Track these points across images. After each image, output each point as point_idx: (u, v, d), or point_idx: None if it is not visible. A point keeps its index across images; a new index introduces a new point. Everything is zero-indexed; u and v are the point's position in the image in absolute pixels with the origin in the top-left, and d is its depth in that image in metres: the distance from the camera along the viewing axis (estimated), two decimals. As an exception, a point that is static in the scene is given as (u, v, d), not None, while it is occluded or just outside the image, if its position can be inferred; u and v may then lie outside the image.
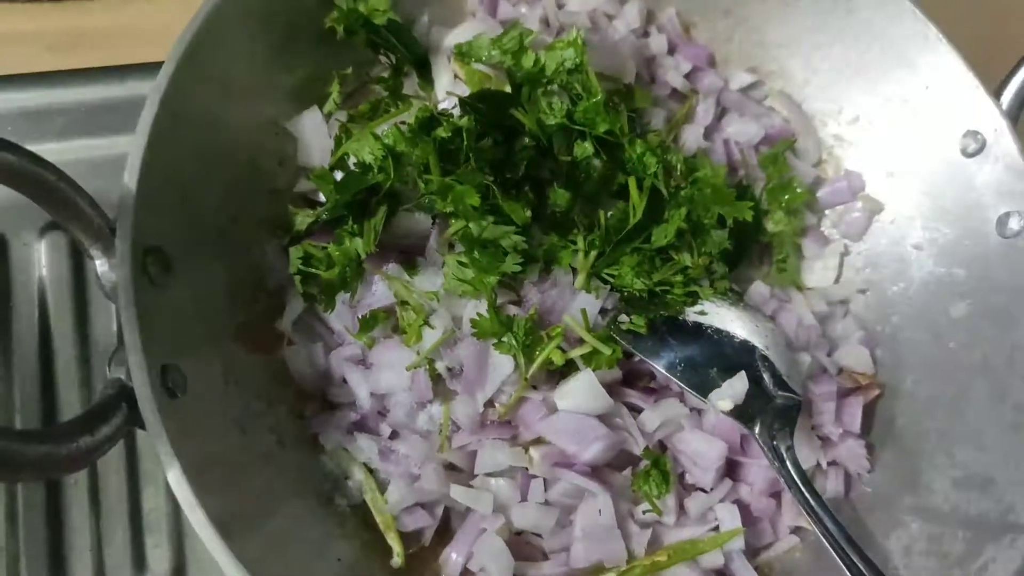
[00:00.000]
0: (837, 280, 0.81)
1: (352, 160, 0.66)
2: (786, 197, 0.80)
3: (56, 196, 0.52)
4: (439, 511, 0.65)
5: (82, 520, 0.73)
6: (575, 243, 0.68)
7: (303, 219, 0.68)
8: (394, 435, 0.67)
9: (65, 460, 0.46)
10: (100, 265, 0.55)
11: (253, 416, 0.63)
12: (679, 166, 0.73)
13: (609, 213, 0.70)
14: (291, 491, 0.62)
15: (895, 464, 0.72)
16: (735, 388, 0.67)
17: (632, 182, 0.69)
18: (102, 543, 0.73)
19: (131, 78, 0.85)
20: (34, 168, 0.51)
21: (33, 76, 0.85)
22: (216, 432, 0.58)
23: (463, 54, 0.73)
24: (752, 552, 0.69)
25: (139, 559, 0.73)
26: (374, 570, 0.63)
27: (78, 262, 0.78)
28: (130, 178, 0.55)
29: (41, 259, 0.79)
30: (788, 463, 0.65)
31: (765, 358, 0.69)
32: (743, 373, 0.67)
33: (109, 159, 0.78)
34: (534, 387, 0.66)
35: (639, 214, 0.68)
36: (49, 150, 0.79)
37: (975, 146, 0.73)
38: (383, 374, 0.66)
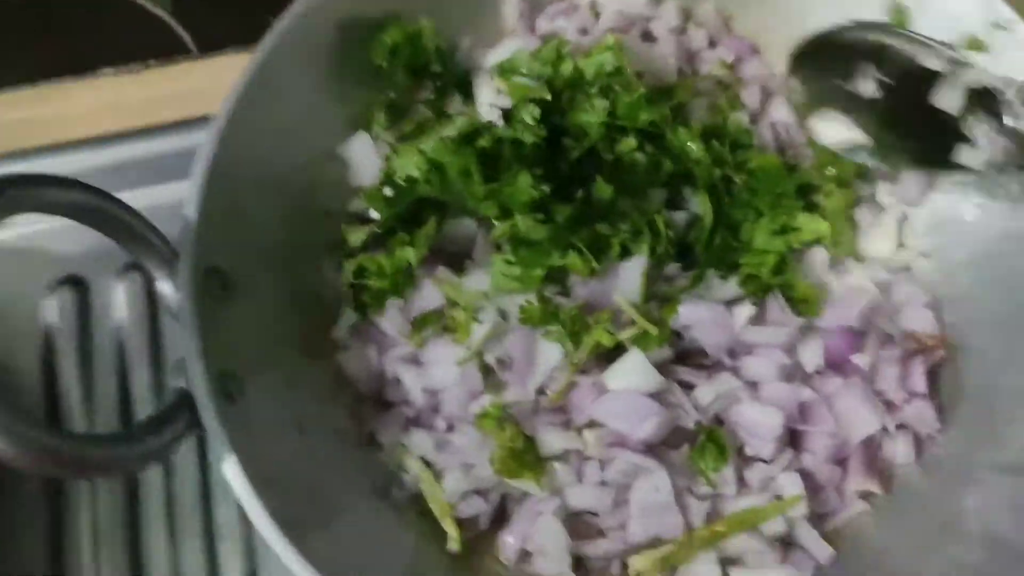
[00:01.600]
0: (899, 247, 0.78)
1: (399, 175, 0.70)
2: (834, 170, 0.78)
3: (123, 227, 0.59)
4: (494, 496, 0.67)
5: (159, 530, 0.78)
6: (625, 231, 0.68)
7: (356, 236, 0.73)
8: (449, 428, 0.69)
9: (135, 459, 0.51)
10: (164, 287, 0.61)
11: (312, 418, 0.66)
12: (726, 153, 0.73)
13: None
14: (349, 487, 0.65)
15: (968, 424, 0.69)
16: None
17: (703, 198, 0.70)
18: (178, 554, 0.78)
19: (197, 130, 0.92)
20: (101, 202, 0.58)
21: (118, 135, 0.94)
22: (274, 433, 0.62)
23: (504, 70, 0.76)
24: (818, 519, 0.68)
25: (213, 569, 0.77)
26: (432, 556, 0.65)
27: (153, 301, 0.85)
28: (190, 208, 0.61)
29: (120, 299, 0.86)
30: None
31: None
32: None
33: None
34: (584, 372, 0.68)
35: (709, 221, 0.69)
36: (135, 196, 0.88)
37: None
38: (435, 370, 0.69)
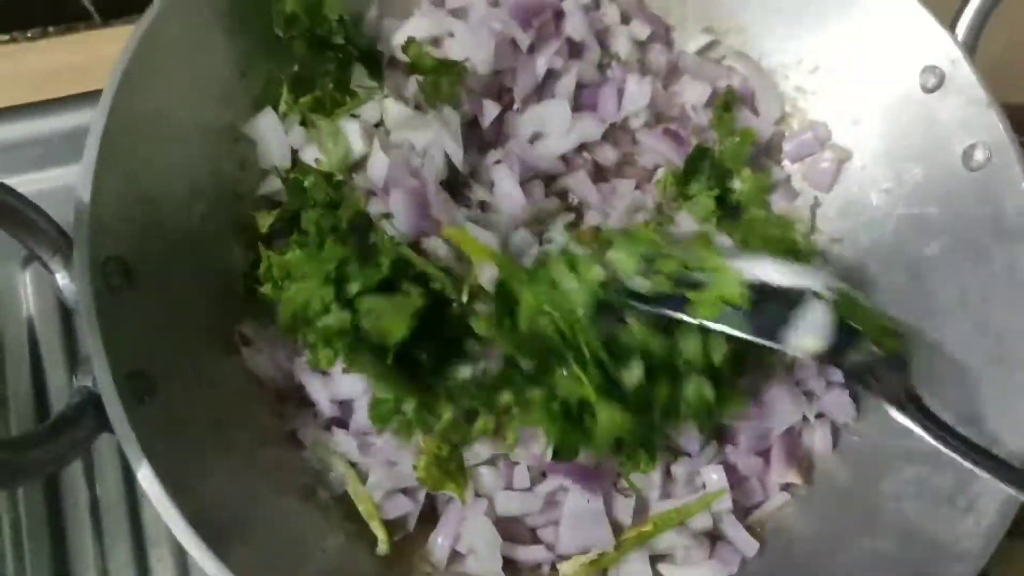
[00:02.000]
0: (811, 232, 0.81)
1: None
2: (736, 141, 0.78)
3: (6, 211, 0.53)
4: (421, 495, 0.65)
5: (84, 539, 0.74)
6: None
7: (265, 220, 0.69)
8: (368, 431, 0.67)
9: (30, 466, 0.47)
10: (61, 278, 0.56)
11: (229, 416, 0.63)
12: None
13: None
14: (272, 487, 0.63)
15: (882, 412, 0.71)
16: (814, 319, 0.57)
17: None
18: (106, 560, 0.74)
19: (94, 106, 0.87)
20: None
21: (9, 110, 0.88)
22: (190, 433, 0.58)
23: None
24: (743, 512, 0.69)
25: (143, 574, 0.74)
26: (360, 560, 0.63)
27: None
28: (83, 191, 0.56)
29: (27, 289, 0.81)
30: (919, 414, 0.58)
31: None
32: (816, 300, 0.58)
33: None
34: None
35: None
36: (30, 180, 0.83)
37: (935, 80, 0.72)
38: (342, 381, 0.66)
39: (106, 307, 0.54)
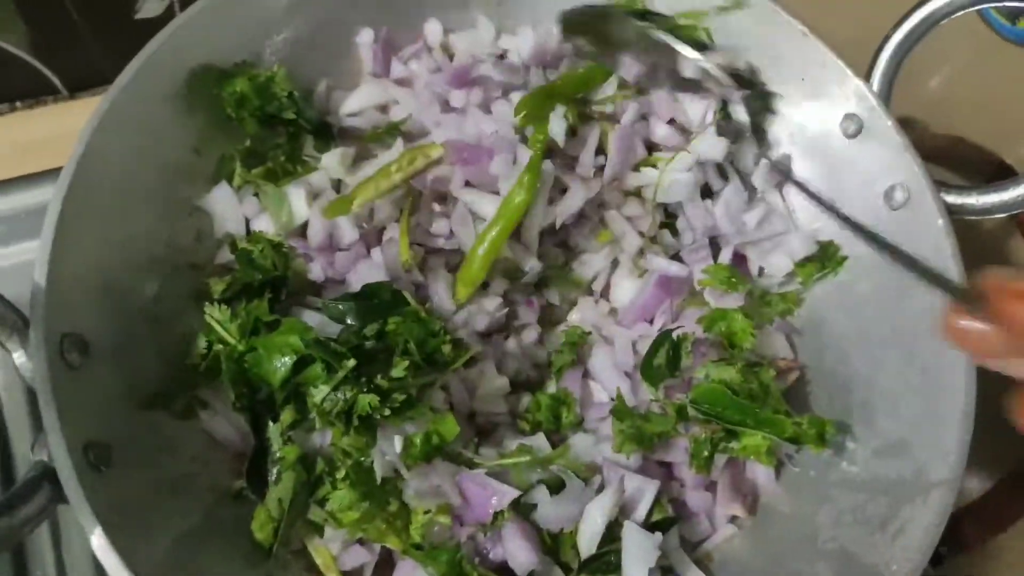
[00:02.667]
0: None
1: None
2: None
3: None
4: (377, 547, 0.67)
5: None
6: None
7: (219, 287, 0.71)
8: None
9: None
10: (18, 357, 0.58)
11: (188, 478, 0.65)
12: None
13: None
14: (231, 544, 0.64)
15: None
16: None
17: None
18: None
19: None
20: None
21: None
22: (146, 499, 0.60)
23: None
24: (691, 546, 0.71)
25: None
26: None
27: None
28: (39, 270, 0.59)
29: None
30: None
31: None
32: None
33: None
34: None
35: None
36: None
37: (854, 127, 0.76)
38: None
39: (62, 382, 0.56)
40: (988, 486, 0.88)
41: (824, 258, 0.80)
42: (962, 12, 0.73)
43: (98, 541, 0.53)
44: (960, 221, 0.72)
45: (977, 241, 0.70)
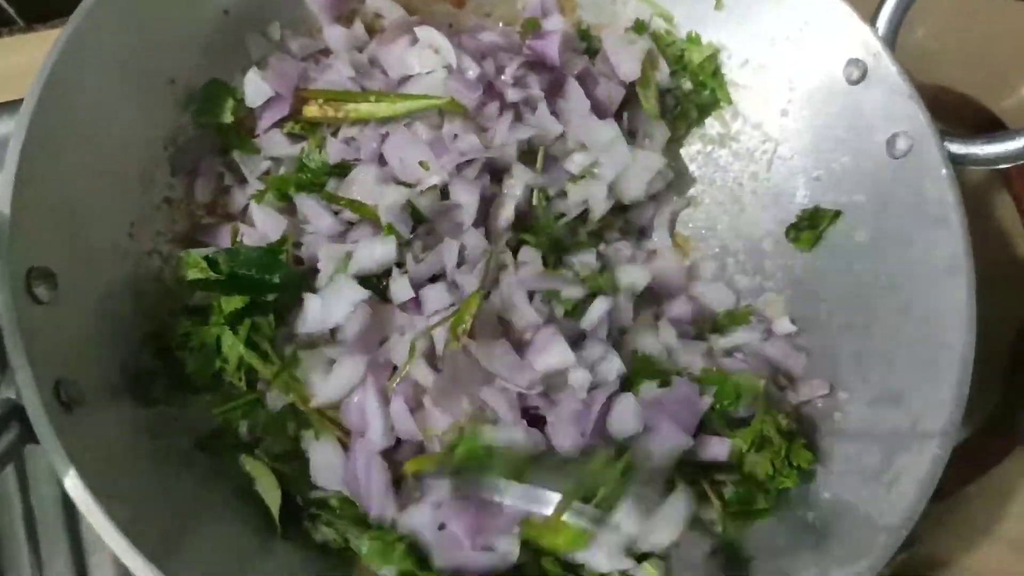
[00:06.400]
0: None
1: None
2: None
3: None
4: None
5: (20, 550, 0.73)
6: None
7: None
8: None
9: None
10: (-15, 291, 0.55)
11: (165, 420, 0.63)
12: None
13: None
14: (209, 488, 0.62)
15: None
16: None
17: None
18: (44, 570, 0.73)
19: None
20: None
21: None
22: (121, 440, 0.58)
23: None
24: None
25: None
26: (306, 564, 0.64)
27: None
28: (3, 202, 0.55)
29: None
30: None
31: None
32: None
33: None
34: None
35: None
36: None
37: (858, 73, 0.74)
38: None
39: (29, 317, 0.53)
40: (964, 434, 0.88)
41: (814, 222, 0.78)
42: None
43: (71, 483, 0.50)
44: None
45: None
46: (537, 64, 0.77)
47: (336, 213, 0.72)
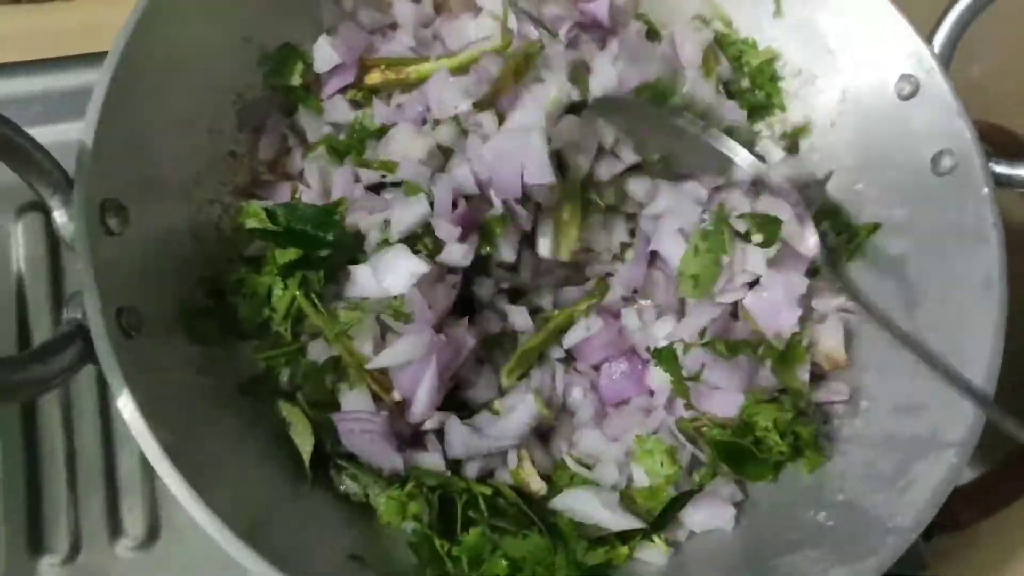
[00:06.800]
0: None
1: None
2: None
3: (10, 148, 0.56)
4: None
5: (59, 484, 0.77)
6: None
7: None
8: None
9: (17, 385, 0.50)
10: (59, 216, 0.58)
11: (213, 361, 0.66)
12: None
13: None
14: (248, 429, 0.65)
15: (839, 398, 0.75)
16: None
17: None
18: (78, 507, 0.77)
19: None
20: (-7, 123, 0.55)
21: (12, 65, 0.90)
22: (172, 372, 0.61)
23: None
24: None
25: (115, 523, 0.77)
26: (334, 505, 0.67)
27: (54, 243, 0.83)
28: (87, 135, 0.59)
29: (19, 239, 0.83)
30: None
31: None
32: None
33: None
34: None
35: None
36: (32, 134, 0.85)
37: (910, 88, 0.75)
38: None
39: (100, 245, 0.57)
40: (983, 469, 0.89)
41: (852, 233, 0.79)
42: (1037, -21, 0.71)
43: (123, 401, 0.54)
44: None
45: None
46: (589, 26, 0.79)
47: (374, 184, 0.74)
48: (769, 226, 0.72)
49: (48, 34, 0.97)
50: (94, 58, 0.88)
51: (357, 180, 0.73)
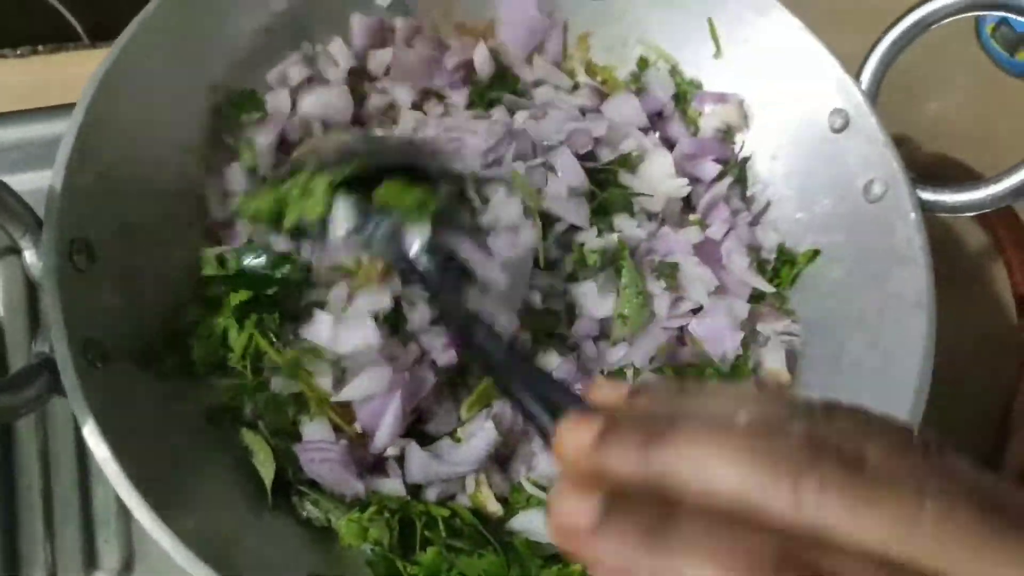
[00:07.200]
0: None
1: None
2: None
3: (-14, 195, 0.59)
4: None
5: (35, 517, 0.78)
6: None
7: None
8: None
9: (-15, 413, 0.52)
10: (29, 256, 0.62)
11: (178, 391, 0.68)
12: None
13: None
14: (213, 457, 0.67)
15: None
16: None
17: None
18: (55, 540, 0.78)
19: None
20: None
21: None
22: (139, 402, 0.63)
23: None
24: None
25: (91, 555, 0.78)
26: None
27: (32, 286, 0.85)
28: (56, 178, 0.62)
29: (-1, 281, 0.86)
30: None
31: None
32: None
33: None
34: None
35: None
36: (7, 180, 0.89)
37: (841, 122, 0.80)
38: None
39: (68, 281, 0.59)
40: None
41: (792, 260, 0.84)
42: (950, 19, 0.77)
43: (89, 430, 0.56)
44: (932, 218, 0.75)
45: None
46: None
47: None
48: (668, 270, 0.77)
49: (25, 87, 1.01)
50: (69, 108, 0.93)
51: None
